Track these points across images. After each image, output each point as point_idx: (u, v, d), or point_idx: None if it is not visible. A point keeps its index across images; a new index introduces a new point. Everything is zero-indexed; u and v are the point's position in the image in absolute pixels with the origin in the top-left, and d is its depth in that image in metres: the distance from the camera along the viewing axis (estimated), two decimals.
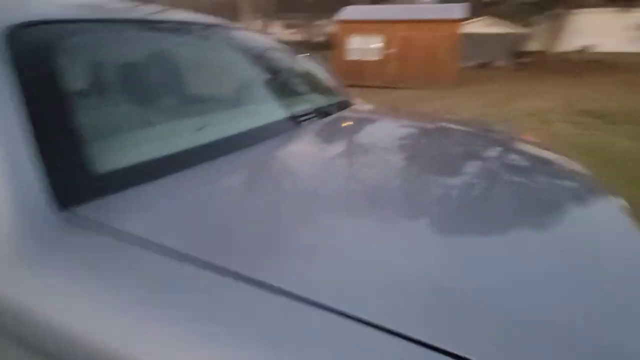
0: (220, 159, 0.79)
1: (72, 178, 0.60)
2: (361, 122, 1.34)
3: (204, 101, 1.12)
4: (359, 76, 9.88)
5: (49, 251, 0.50)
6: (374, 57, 10.51)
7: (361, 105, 1.52)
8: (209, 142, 0.82)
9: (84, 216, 0.55)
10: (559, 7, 15.16)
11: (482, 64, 14.75)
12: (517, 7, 18.23)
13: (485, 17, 15.34)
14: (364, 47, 10.49)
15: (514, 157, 1.07)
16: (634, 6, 14.18)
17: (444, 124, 1.44)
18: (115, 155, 0.69)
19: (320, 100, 1.30)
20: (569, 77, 11.86)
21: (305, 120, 1.08)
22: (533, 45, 17.56)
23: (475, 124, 1.54)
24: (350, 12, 10.97)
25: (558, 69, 13.17)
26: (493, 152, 1.07)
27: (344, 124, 1.26)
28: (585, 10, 17.68)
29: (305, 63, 1.51)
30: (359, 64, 10.43)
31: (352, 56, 10.53)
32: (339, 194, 0.74)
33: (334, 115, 1.25)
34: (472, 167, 0.92)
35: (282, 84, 1.30)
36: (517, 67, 14.40)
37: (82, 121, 0.65)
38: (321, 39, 19.48)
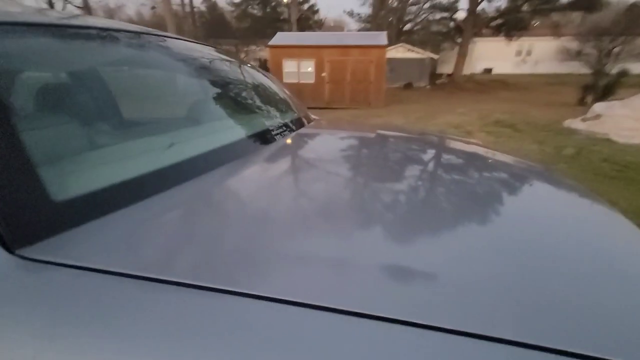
0: (195, 179, 0.68)
1: (21, 212, 0.46)
2: (331, 135, 1.32)
3: (161, 118, 1.00)
4: (297, 98, 10.08)
5: None
6: (309, 80, 10.91)
7: (319, 119, 1.51)
8: (178, 162, 0.71)
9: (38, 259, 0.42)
10: (460, 36, 17.65)
11: (405, 85, 16.26)
12: (427, 35, 20.85)
13: (402, 44, 17.09)
14: (298, 71, 10.85)
15: (471, 157, 1.14)
16: (517, 35, 17.13)
17: (405, 133, 1.50)
18: (72, 181, 0.55)
19: (288, 115, 1.25)
20: (477, 94, 13.72)
21: (278, 134, 1.02)
22: (444, 69, 20.05)
23: (430, 132, 1.63)
24: (282, 38, 11.33)
25: (467, 88, 15.14)
26: (453, 154, 1.15)
27: (314, 139, 1.22)
28: (482, 38, 20.97)
29: (262, 77, 1.45)
30: (296, 87, 10.69)
31: (288, 79, 10.76)
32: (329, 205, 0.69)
33: (302, 130, 1.21)
34: (447, 167, 0.96)
35: (249, 97, 1.22)
36: (434, 87, 16.17)
37: (28, 142, 0.50)
38: (253, 64, 19.53)
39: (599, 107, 6.53)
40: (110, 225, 0.51)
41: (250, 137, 0.94)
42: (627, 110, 6.02)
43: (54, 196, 0.49)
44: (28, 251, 0.43)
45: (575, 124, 6.36)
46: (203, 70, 1.11)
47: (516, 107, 9.53)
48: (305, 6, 24.80)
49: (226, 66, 1.26)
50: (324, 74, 10.81)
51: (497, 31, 17.64)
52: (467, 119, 7.71)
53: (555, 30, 20.48)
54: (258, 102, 1.23)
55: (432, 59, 17.62)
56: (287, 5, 20.83)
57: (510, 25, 16.77)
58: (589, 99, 8.97)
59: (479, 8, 16.48)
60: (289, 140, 1.05)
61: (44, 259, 0.42)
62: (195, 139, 0.85)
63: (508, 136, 5.78)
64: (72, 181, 0.55)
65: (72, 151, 0.63)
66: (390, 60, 11.70)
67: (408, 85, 16.34)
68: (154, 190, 0.60)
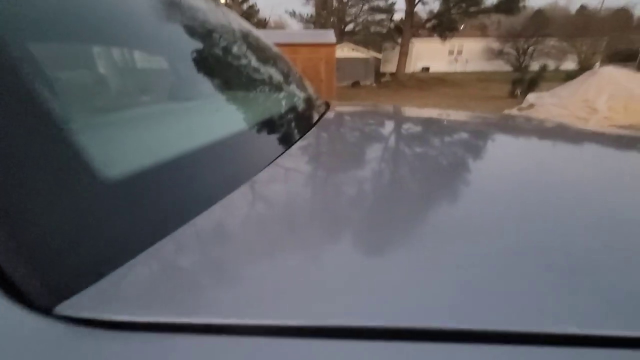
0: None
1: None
2: (364, 116, 1.15)
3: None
4: None
5: None
6: None
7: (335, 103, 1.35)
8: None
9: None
10: (400, 36, 18.57)
11: (353, 83, 16.62)
12: (368, 36, 21.64)
13: (346, 43, 17.47)
14: None
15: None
16: (449, 36, 18.51)
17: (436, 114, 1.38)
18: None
19: (314, 96, 1.09)
20: (420, 91, 14.51)
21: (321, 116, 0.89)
22: (388, 68, 20.95)
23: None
24: None
25: (410, 85, 15.96)
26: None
27: (352, 118, 1.07)
28: (419, 39, 22.31)
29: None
30: None
31: None
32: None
33: (331, 112, 1.04)
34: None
35: (283, 75, 1.03)
36: (380, 85, 16.77)
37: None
38: None
39: (531, 97, 7.25)
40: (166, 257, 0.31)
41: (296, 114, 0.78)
42: (555, 99, 6.76)
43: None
44: (67, 308, 0.25)
45: (514, 113, 6.97)
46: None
47: (458, 102, 10.23)
48: (245, 6, 24.20)
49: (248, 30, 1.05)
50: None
51: (432, 32, 18.87)
52: None
53: (482, 32, 22.62)
54: (289, 79, 1.05)
55: (376, 58, 18.26)
56: (228, 4, 20.10)
57: (443, 26, 18.02)
58: (518, 91, 9.96)
59: (415, 10, 17.50)
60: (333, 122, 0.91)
61: (88, 317, 0.24)
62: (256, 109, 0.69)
63: None
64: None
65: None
66: (337, 59, 11.80)
67: (355, 84, 16.72)
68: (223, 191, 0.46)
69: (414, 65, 23.34)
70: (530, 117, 1.16)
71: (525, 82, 9.88)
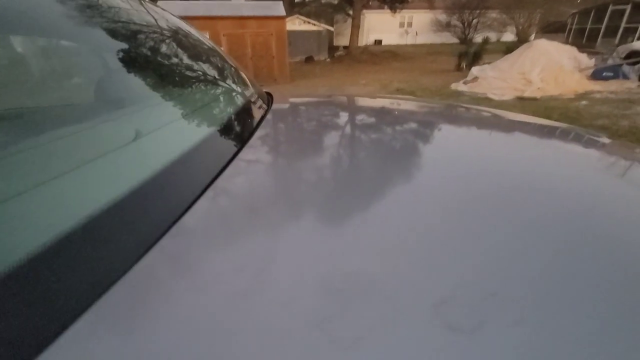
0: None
1: None
2: (308, 111, 1.10)
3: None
4: None
5: None
6: None
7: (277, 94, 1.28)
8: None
9: None
10: (349, 8, 18.24)
11: (307, 58, 16.21)
12: (320, 7, 20.98)
13: (297, 15, 16.80)
14: None
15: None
16: (399, 8, 18.56)
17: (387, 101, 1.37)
18: None
19: (253, 92, 1.00)
20: (373, 65, 14.57)
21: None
22: (341, 41, 20.64)
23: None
24: (166, 8, 9.81)
25: (364, 59, 15.93)
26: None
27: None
28: (370, 11, 22.12)
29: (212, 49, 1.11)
30: None
31: None
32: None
33: (270, 114, 0.98)
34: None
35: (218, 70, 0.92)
36: (334, 60, 16.54)
37: None
38: None
39: (475, 70, 7.60)
40: None
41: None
42: (496, 72, 7.16)
43: None
44: None
45: (460, 86, 7.29)
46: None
47: (409, 76, 10.45)
48: None
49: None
50: (222, 49, 9.91)
51: (382, 3, 18.76)
52: (371, 89, 8.11)
53: (430, 4, 22.91)
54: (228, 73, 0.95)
55: (328, 31, 17.85)
56: None
57: None
58: (464, 65, 10.39)
59: None
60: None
61: None
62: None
63: None
64: None
65: None
66: (288, 33, 11.33)
67: (309, 59, 16.33)
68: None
69: (366, 38, 23.24)
70: (469, 107, 1.20)
71: (470, 55, 10.31)
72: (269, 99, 1.08)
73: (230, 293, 0.30)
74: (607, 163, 0.75)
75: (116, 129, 0.48)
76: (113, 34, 0.61)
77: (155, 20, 0.80)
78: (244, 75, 1.08)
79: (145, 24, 0.74)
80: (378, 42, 23.99)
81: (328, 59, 16.81)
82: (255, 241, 0.37)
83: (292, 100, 1.27)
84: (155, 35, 0.75)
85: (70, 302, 0.28)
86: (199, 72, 0.82)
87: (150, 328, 0.27)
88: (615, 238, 0.41)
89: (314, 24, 16.96)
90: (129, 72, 0.60)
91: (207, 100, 0.73)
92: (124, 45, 0.62)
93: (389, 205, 0.47)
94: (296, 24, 16.32)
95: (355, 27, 17.05)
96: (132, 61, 0.62)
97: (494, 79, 7.06)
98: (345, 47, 18.40)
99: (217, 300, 0.30)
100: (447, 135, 0.85)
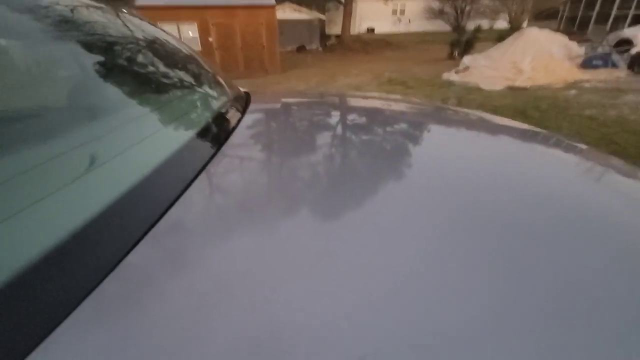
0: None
1: None
2: (288, 112, 1.09)
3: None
4: None
5: None
6: (194, 47, 9.67)
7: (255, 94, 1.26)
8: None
9: None
10: None
11: (298, 48, 15.98)
12: None
13: (287, 2, 16.45)
14: (180, 36, 9.46)
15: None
16: None
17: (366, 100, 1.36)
18: None
19: (232, 91, 0.99)
20: (365, 55, 14.44)
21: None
22: (333, 30, 20.34)
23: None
24: None
25: (356, 48, 15.77)
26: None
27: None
28: None
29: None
30: None
31: None
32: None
33: (251, 107, 0.97)
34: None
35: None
36: (326, 49, 16.35)
37: None
38: None
39: (467, 59, 7.58)
40: None
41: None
42: (487, 61, 7.15)
43: None
44: None
45: (452, 76, 7.28)
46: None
47: (401, 66, 10.39)
48: None
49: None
50: (210, 39, 9.71)
51: None
52: (364, 79, 8.05)
53: None
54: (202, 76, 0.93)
55: (320, 19, 17.56)
56: None
57: None
58: (456, 53, 10.34)
59: None
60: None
61: None
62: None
63: (403, 93, 6.27)
64: None
65: None
66: (279, 22, 11.12)
67: (301, 48, 16.11)
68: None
69: (358, 26, 22.92)
70: (456, 110, 1.20)
71: (462, 44, 10.26)
72: (246, 100, 1.06)
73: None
74: (583, 168, 0.76)
75: (75, 143, 0.46)
76: (71, 40, 0.60)
77: (121, 26, 0.78)
78: (218, 78, 1.06)
79: (109, 30, 0.72)
80: (371, 30, 23.70)
81: (320, 48, 16.60)
82: (218, 257, 0.38)
83: (271, 101, 1.26)
84: (118, 41, 0.73)
85: (59, 301, 0.29)
86: (166, 79, 0.79)
87: (139, 323, 0.29)
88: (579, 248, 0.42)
89: (306, 12, 16.66)
90: (93, 79, 0.59)
91: (172, 109, 0.70)
92: (84, 51, 0.61)
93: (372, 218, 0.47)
94: (287, 12, 16.02)
95: (348, 15, 16.79)
96: (96, 68, 0.61)
97: (485, 68, 7.05)
98: (337, 36, 18.13)
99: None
100: (427, 143, 0.85)
